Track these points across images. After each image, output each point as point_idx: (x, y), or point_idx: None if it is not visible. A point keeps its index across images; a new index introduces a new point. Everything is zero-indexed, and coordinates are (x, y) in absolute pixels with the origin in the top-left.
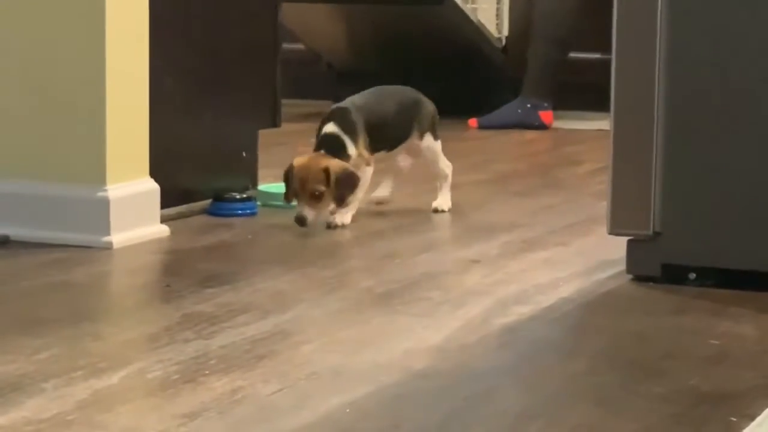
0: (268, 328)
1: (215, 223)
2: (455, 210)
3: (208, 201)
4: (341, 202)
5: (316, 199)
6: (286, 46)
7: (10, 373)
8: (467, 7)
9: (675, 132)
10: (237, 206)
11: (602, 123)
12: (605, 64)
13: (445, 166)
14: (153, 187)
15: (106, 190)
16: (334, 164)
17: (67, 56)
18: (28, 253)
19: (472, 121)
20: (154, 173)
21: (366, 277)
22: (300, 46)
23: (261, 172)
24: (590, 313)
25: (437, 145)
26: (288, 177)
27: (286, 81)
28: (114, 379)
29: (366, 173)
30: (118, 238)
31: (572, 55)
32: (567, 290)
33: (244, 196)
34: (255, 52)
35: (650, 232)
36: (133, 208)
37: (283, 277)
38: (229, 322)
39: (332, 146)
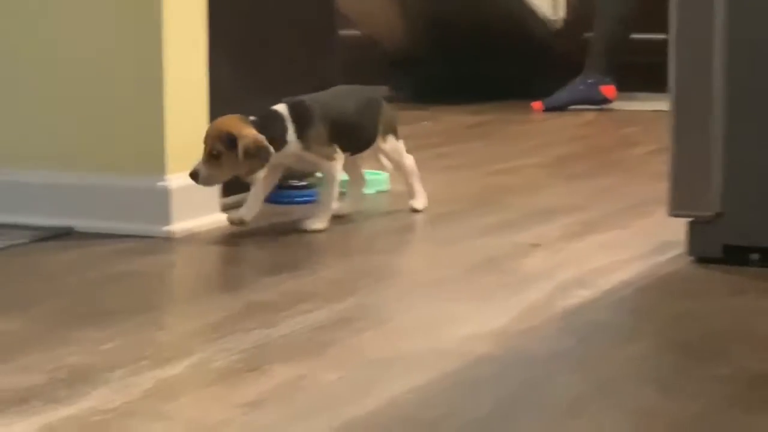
0: (330, 316)
1: (275, 211)
2: (513, 194)
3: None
4: (250, 174)
5: (213, 158)
6: (341, 32)
7: (76, 364)
8: None
9: (735, 111)
10: (296, 194)
11: (660, 104)
12: (665, 45)
13: (411, 162)
14: None
15: (166, 180)
16: (247, 132)
17: (126, 47)
18: (91, 244)
19: (535, 104)
20: None
21: (425, 263)
22: (356, 32)
23: None
24: (650, 296)
25: (400, 144)
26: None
27: (341, 67)
28: (178, 368)
29: (331, 168)
30: (179, 227)
31: (633, 36)
32: (627, 273)
33: (304, 183)
34: (314, 41)
35: (712, 213)
36: (193, 198)
37: (344, 264)
38: (290, 311)
39: (270, 125)
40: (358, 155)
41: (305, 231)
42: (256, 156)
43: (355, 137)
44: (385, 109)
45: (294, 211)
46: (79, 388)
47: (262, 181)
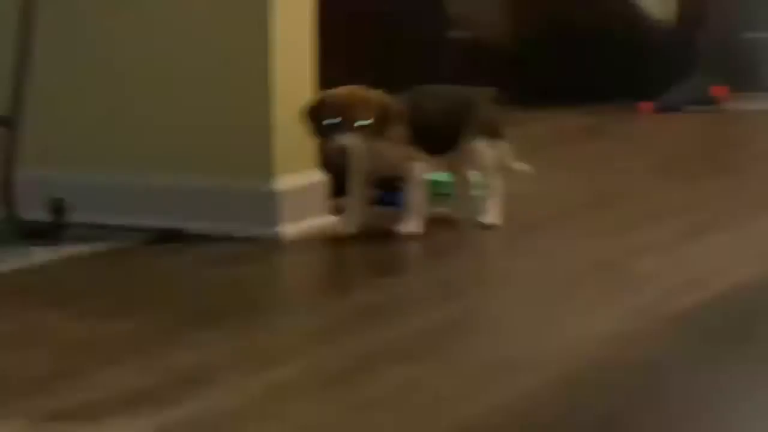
0: (442, 318)
1: (384, 214)
2: (625, 195)
3: (377, 191)
4: (381, 133)
5: (359, 130)
6: (452, 33)
7: (188, 366)
8: None
9: None
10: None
11: None
12: None
13: (495, 177)
14: (321, 178)
15: (275, 183)
16: (376, 94)
17: (235, 51)
18: (201, 247)
19: (647, 105)
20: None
21: (537, 266)
22: (465, 33)
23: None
24: (764, 298)
25: (491, 151)
26: (313, 114)
27: (452, 68)
28: (289, 371)
29: (412, 169)
30: (289, 229)
31: (746, 35)
32: (741, 275)
33: None
34: (424, 42)
35: None
36: (302, 200)
37: (455, 266)
38: (401, 312)
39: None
40: (451, 155)
41: (400, 235)
42: (389, 117)
43: (436, 139)
44: (481, 111)
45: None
46: (193, 390)
47: (354, 189)
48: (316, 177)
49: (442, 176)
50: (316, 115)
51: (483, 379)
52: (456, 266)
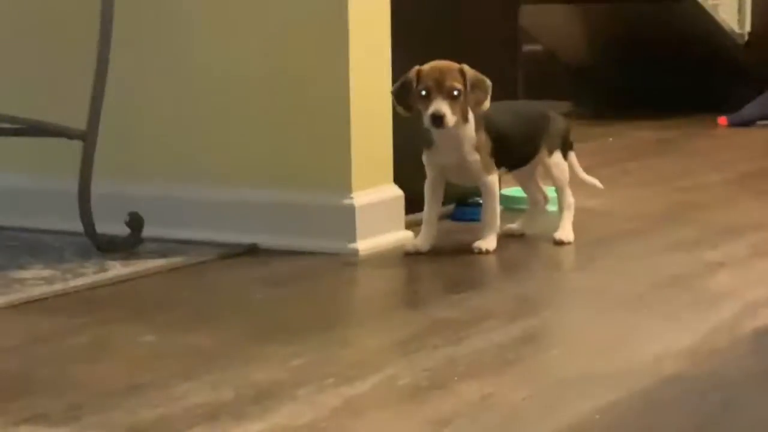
0: (516, 333)
1: (458, 228)
2: (700, 210)
3: (451, 206)
4: (477, 106)
5: (453, 99)
6: (524, 47)
7: (264, 380)
8: (708, 3)
9: None
10: (480, 211)
11: None
12: None
13: (569, 192)
14: (397, 193)
15: (352, 198)
16: (468, 66)
17: (312, 66)
18: (277, 261)
19: (722, 119)
20: (397, 179)
21: (611, 280)
22: (538, 47)
23: (503, 176)
24: None
25: (565, 165)
26: (407, 87)
27: (525, 82)
28: (365, 386)
29: (489, 182)
30: (365, 244)
31: None
32: None
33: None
34: (496, 54)
35: None
36: (378, 215)
37: (530, 281)
38: (476, 328)
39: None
40: (525, 170)
41: (479, 251)
42: (481, 87)
43: (510, 152)
44: (554, 124)
45: (477, 228)
46: (267, 405)
47: (430, 205)
48: (393, 191)
49: (517, 191)
50: (411, 86)
51: (559, 394)
52: (531, 282)
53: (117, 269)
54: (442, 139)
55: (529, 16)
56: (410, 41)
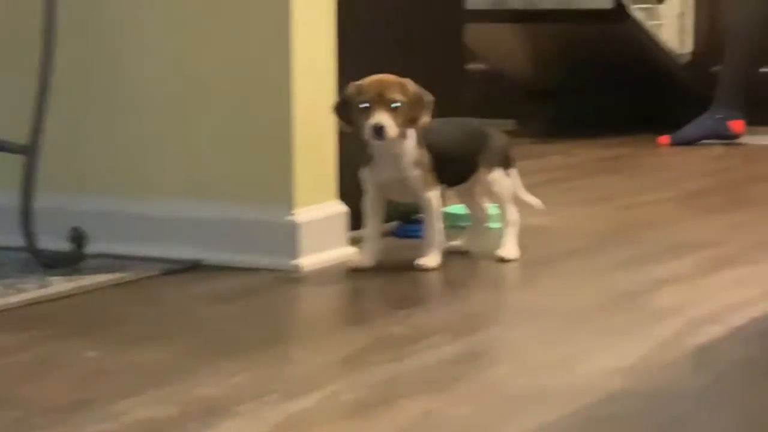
0: (460, 350)
1: (402, 245)
2: (645, 228)
3: (395, 223)
4: (416, 122)
5: (394, 111)
6: (469, 66)
7: (206, 397)
8: (650, 24)
9: None
10: (423, 228)
11: None
12: None
13: (511, 209)
14: (341, 209)
15: (294, 214)
16: (410, 81)
17: (256, 81)
18: (220, 277)
19: (663, 138)
20: (341, 195)
21: (558, 298)
22: (483, 66)
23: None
24: None
25: (507, 182)
26: (348, 101)
27: (470, 101)
28: (308, 402)
29: (430, 199)
30: (308, 261)
31: (762, 70)
32: (760, 309)
33: None
34: (442, 74)
35: None
36: (322, 231)
37: (475, 298)
38: (420, 344)
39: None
40: (466, 187)
41: (423, 269)
42: (421, 103)
43: (449, 168)
44: (493, 141)
45: (421, 245)
46: (211, 421)
47: (371, 222)
48: (337, 208)
49: (459, 208)
50: (351, 99)
51: (504, 411)
52: (474, 299)
53: (59, 285)
54: (381, 155)
55: (474, 35)
56: (355, 59)
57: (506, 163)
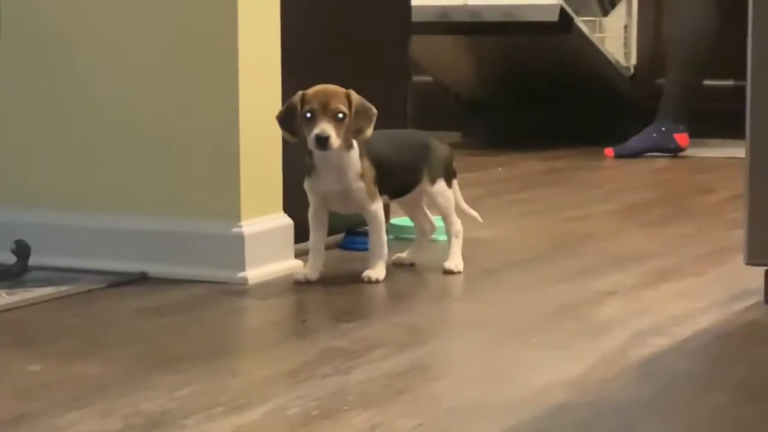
0: (405, 363)
1: (348, 257)
2: (588, 240)
3: (341, 235)
4: (360, 133)
5: (338, 122)
6: (414, 78)
7: (151, 410)
8: (595, 37)
9: None
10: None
11: (735, 150)
12: (738, 91)
13: (456, 221)
14: (287, 222)
15: (240, 226)
16: (354, 92)
17: (200, 94)
18: (166, 290)
19: (608, 151)
20: (287, 208)
21: (502, 310)
22: (428, 78)
23: (393, 205)
24: (729, 345)
25: (450, 193)
26: (292, 111)
27: (415, 113)
28: (254, 415)
29: (374, 211)
30: (254, 273)
31: (705, 82)
32: (704, 321)
33: None
34: (386, 86)
35: None
36: (267, 244)
37: (420, 311)
38: (366, 357)
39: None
40: (410, 199)
41: (368, 280)
42: (365, 114)
43: (391, 180)
44: (435, 153)
45: (367, 257)
46: None
47: (315, 234)
48: (283, 220)
49: (406, 220)
50: (295, 109)
51: (448, 424)
52: (419, 311)
53: (2, 298)
54: (324, 166)
55: (419, 47)
56: (300, 70)
57: (449, 175)
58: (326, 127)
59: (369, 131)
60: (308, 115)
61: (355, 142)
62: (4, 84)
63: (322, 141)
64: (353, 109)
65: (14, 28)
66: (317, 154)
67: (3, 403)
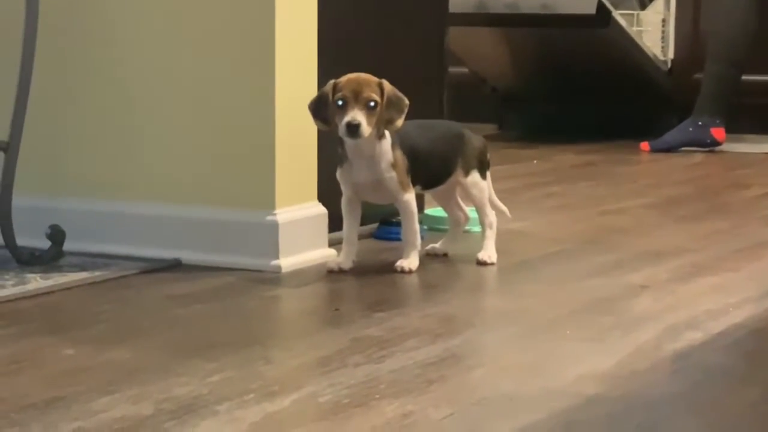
0: (438, 353)
1: (382, 247)
2: (623, 234)
3: (375, 225)
4: (389, 124)
5: (369, 110)
6: (451, 69)
7: (184, 396)
8: (632, 30)
9: None
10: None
11: None
12: None
13: (490, 212)
14: (321, 211)
15: (275, 215)
16: (387, 82)
17: (238, 84)
18: (199, 277)
19: (644, 145)
20: (321, 197)
21: (536, 303)
22: (464, 69)
23: (427, 196)
24: (763, 340)
25: (484, 184)
26: (324, 99)
27: (451, 104)
28: (286, 402)
29: (406, 201)
30: (287, 262)
31: (743, 77)
32: (738, 316)
33: None
34: (423, 77)
35: None
36: (301, 232)
37: (453, 301)
38: (398, 346)
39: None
40: (443, 190)
41: (401, 270)
42: (396, 104)
43: (424, 171)
44: (469, 144)
45: (401, 248)
46: (187, 420)
47: (348, 223)
48: (317, 209)
49: (440, 211)
50: (327, 98)
51: (480, 414)
52: (452, 302)
53: (37, 282)
54: (356, 156)
55: (456, 38)
56: (337, 60)
57: (483, 166)
58: (357, 115)
59: (400, 122)
60: (340, 103)
61: (387, 132)
62: (40, 71)
63: (353, 129)
64: (385, 99)
65: (52, 21)
66: (349, 143)
67: (37, 387)
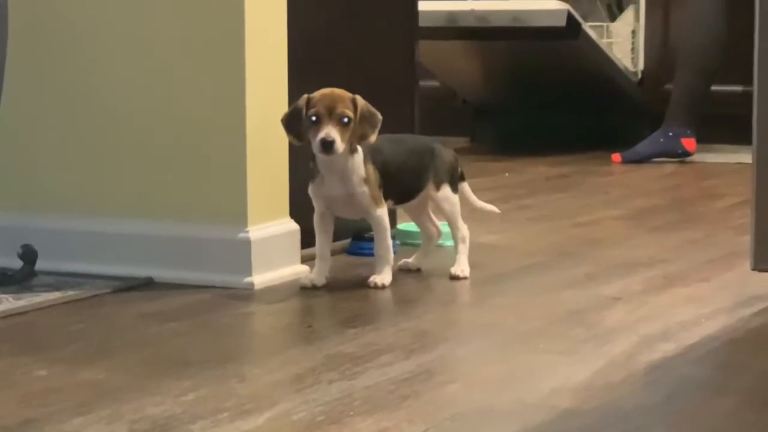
0: (412, 368)
1: (355, 263)
2: (596, 246)
3: (348, 240)
4: (363, 139)
5: (343, 126)
6: (422, 83)
7: (157, 415)
8: (603, 42)
9: None
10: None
11: (742, 156)
12: (746, 97)
13: (462, 226)
14: (294, 227)
15: (247, 231)
16: (360, 97)
17: (208, 99)
18: (172, 295)
19: (616, 156)
20: (294, 213)
21: (509, 316)
22: (435, 83)
23: (399, 211)
24: (736, 351)
25: (456, 198)
26: (297, 114)
27: (422, 118)
28: (260, 420)
29: (379, 216)
30: (260, 278)
31: (714, 87)
32: (711, 327)
33: None
34: (394, 90)
35: None
36: (274, 249)
37: (426, 316)
38: (372, 362)
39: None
40: (415, 205)
41: (375, 286)
42: (369, 120)
43: (396, 185)
44: (440, 158)
45: (374, 263)
46: None
47: (320, 239)
48: (289, 225)
49: (410, 226)
50: (301, 113)
51: (455, 429)
52: (426, 317)
53: (9, 302)
54: (328, 171)
55: (427, 51)
56: (307, 75)
57: (454, 180)
58: (331, 132)
59: (373, 137)
60: (313, 118)
61: (359, 147)
62: (11, 88)
63: (327, 145)
64: (358, 114)
65: (22, 36)
66: (321, 158)
67: (9, 408)
